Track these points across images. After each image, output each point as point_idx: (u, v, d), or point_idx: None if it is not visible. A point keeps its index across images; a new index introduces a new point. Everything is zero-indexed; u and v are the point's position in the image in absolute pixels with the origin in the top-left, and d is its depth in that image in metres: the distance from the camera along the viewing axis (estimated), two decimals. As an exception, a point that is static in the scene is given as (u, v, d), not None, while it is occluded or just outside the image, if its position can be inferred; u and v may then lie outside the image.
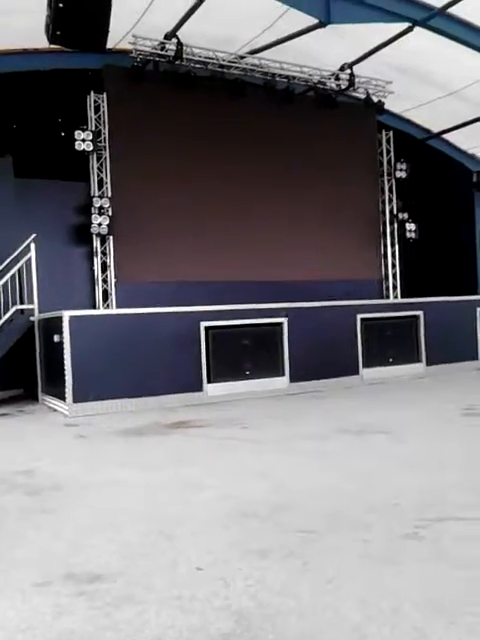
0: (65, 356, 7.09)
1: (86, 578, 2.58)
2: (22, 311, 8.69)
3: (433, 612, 2.18)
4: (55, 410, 7.58)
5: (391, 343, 9.22)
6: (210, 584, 2.48)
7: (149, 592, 2.43)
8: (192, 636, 2.08)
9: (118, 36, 10.62)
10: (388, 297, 14.10)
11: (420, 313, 9.51)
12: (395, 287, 14.40)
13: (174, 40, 11.06)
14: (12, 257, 8.72)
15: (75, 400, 7.07)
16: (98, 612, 2.28)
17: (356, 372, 8.85)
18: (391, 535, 2.91)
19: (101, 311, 9.91)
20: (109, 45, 9.90)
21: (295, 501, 3.53)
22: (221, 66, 11.96)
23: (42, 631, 2.16)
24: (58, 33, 7.66)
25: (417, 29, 11.28)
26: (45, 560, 2.81)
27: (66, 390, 7.07)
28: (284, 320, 8.32)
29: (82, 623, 2.21)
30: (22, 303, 8.72)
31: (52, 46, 9.16)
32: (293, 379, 8.28)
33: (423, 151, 15.51)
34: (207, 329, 7.86)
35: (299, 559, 2.69)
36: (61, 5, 7.17)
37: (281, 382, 8.25)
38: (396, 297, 14.09)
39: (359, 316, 8.96)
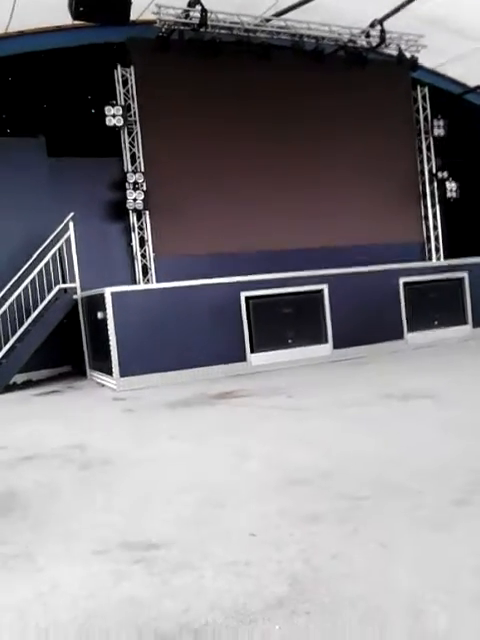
0: (110, 332, 7.21)
1: (142, 546, 2.65)
2: (65, 290, 8.84)
3: (488, 574, 2.17)
4: (103, 385, 7.74)
5: (436, 306, 9.06)
6: (263, 549, 2.52)
7: (204, 559, 2.48)
8: (248, 600, 2.12)
9: (141, 7, 10.49)
10: (431, 259, 13.81)
11: (465, 274, 9.30)
12: (438, 249, 14.08)
13: (198, 7, 10.86)
14: (52, 237, 8.84)
15: (122, 374, 7.20)
16: (156, 578, 2.35)
17: (401, 336, 8.75)
18: (441, 500, 2.89)
19: (142, 286, 10.00)
20: (132, 17, 9.79)
21: (342, 467, 3.54)
22: (247, 30, 11.71)
23: (103, 596, 2.24)
24: (81, 9, 7.62)
25: (450, -23, 10.81)
26: (101, 530, 2.89)
27: (112, 365, 7.21)
28: (325, 287, 8.25)
29: (141, 589, 2.28)
30: (64, 282, 8.86)
31: (76, 22, 9.11)
32: (336, 346, 8.24)
33: (461, 106, 14.98)
34: (248, 299, 7.86)
35: (350, 524, 2.70)
36: (85, -20, 7.11)
37: (324, 349, 8.22)
38: (439, 259, 13.79)
39: (402, 280, 8.82)
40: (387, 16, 12.19)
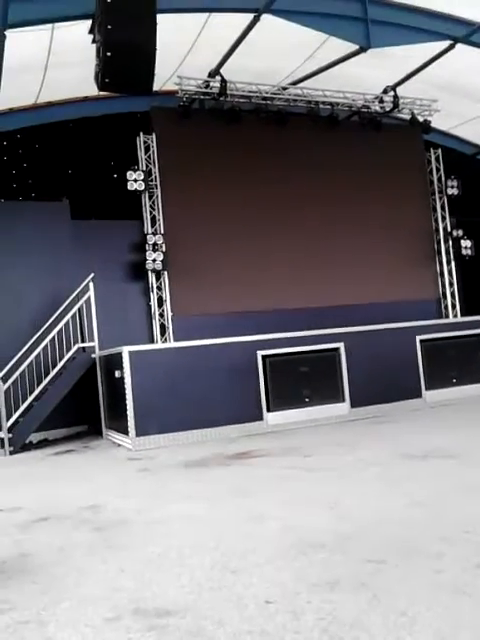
0: (126, 391, 7.22)
1: (155, 613, 2.59)
2: (84, 349, 8.93)
3: (514, 645, 2.08)
4: (119, 445, 7.70)
5: (453, 363, 8.98)
6: (280, 617, 2.44)
7: (219, 626, 2.41)
8: (263, 672, 2.05)
9: (164, 78, 10.99)
10: (447, 316, 13.78)
11: (482, 331, 9.26)
12: (454, 306, 14.06)
13: (218, 77, 11.34)
14: (72, 297, 9.00)
15: (138, 434, 7.16)
16: (168, 648, 2.28)
17: (419, 395, 8.65)
18: (464, 564, 2.80)
19: (159, 345, 10.07)
20: (155, 87, 10.24)
21: (362, 530, 3.45)
22: (264, 98, 12.17)
23: (114, 667, 2.17)
24: (107, 80, 7.98)
25: (459, 46, 11.20)
26: (113, 595, 2.83)
27: (129, 424, 7.18)
28: (341, 345, 8.24)
29: (153, 659, 2.21)
30: (83, 341, 8.96)
31: (102, 93, 9.57)
32: (354, 404, 8.16)
33: (473, 166, 15.27)
34: (264, 358, 7.86)
35: (370, 590, 2.62)
36: (109, 54, 7.49)
37: (341, 408, 8.14)
38: (456, 316, 13.75)
39: (418, 337, 8.79)
40: (400, 82, 12.61)
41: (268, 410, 7.78)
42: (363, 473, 4.97)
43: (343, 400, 8.16)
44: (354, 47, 10.80)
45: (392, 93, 12.80)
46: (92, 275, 9.03)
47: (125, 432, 7.37)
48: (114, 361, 7.78)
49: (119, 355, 7.45)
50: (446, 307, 14.00)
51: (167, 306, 11.31)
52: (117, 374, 7.54)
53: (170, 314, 11.29)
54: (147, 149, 11.63)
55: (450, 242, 14.16)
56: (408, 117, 13.32)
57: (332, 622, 2.36)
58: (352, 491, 4.43)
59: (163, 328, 11.28)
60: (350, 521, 3.66)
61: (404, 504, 3.93)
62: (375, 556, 3.00)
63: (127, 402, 7.21)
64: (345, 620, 2.37)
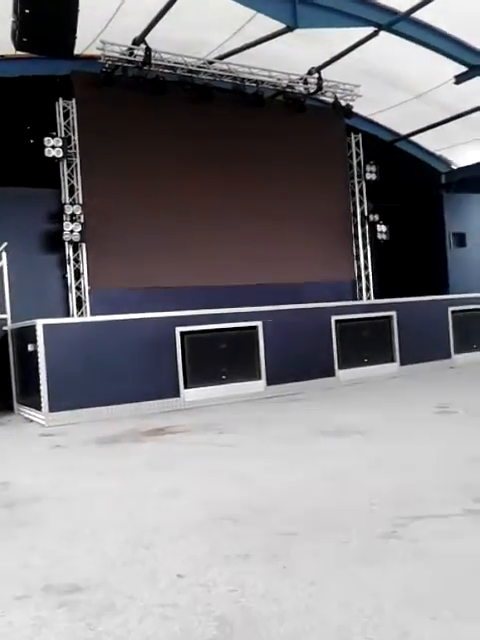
0: (40, 365, 7.01)
1: (66, 589, 2.56)
2: (-6, 321, 8.59)
3: (414, 609, 2.21)
4: (31, 420, 7.49)
5: (366, 344, 9.30)
6: (192, 590, 2.47)
7: (130, 601, 2.41)
8: (175, 644, 2.07)
9: (86, 42, 10.59)
10: (361, 298, 14.24)
11: (393, 313, 9.61)
12: (368, 288, 14.55)
13: (142, 45, 11.06)
14: (-17, 267, 8.62)
15: (51, 409, 6.99)
16: (79, 624, 2.26)
17: (332, 374, 8.91)
18: (369, 535, 2.93)
19: (75, 319, 9.84)
20: (77, 51, 9.87)
21: (273, 504, 3.54)
22: (190, 71, 12.00)
23: (22, 645, 2.14)
24: (25, 40, 7.62)
25: (383, 33, 11.46)
26: (23, 572, 2.77)
27: (42, 399, 6.99)
28: (259, 323, 8.34)
29: (63, 636, 2.19)
30: (-6, 313, 8.62)
31: (19, 53, 9.10)
32: (270, 382, 8.30)
33: (392, 153, 15.75)
34: (183, 334, 7.84)
35: (280, 562, 2.69)
36: (27, 11, 7.13)
37: (258, 386, 8.27)
38: (369, 298, 14.24)
39: (333, 318, 9.02)
40: (324, 65, 12.76)
41: (185, 387, 7.79)
42: (277, 448, 5.09)
43: (259, 378, 8.29)
44: (281, 26, 10.83)
45: (317, 75, 12.95)
46: (5, 244, 8.66)
47: (38, 407, 7.18)
48: (27, 334, 7.53)
49: (32, 328, 7.21)
50: (361, 289, 14.46)
51: (84, 279, 11.05)
52: (30, 348, 7.30)
53: (87, 287, 11.04)
54: (66, 115, 11.21)
55: (366, 226, 14.60)
56: (331, 100, 13.53)
57: (243, 593, 2.42)
58: (266, 466, 4.52)
59: (80, 302, 11.03)
60: (263, 495, 3.75)
61: (315, 478, 4.06)
62: (286, 529, 3.09)
63: (40, 377, 7.00)
64: (256, 591, 2.43)
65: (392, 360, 9.54)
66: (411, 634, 2.04)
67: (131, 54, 11.15)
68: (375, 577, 2.49)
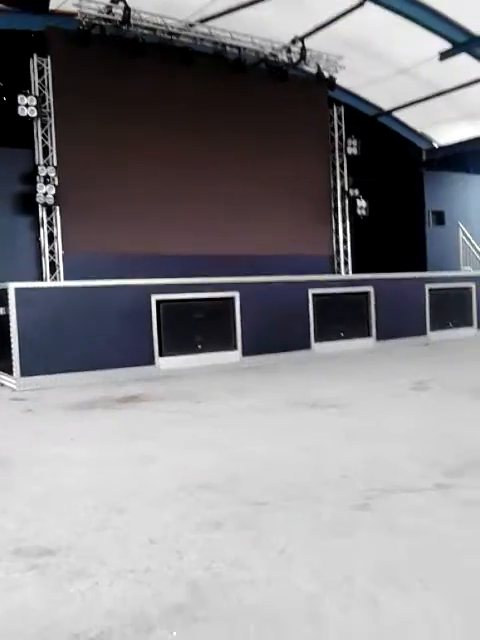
0: (11, 329, 6.90)
1: (37, 552, 2.53)
2: (-36, 283, 8.39)
3: (384, 580, 2.23)
4: (2, 384, 7.40)
5: (342, 318, 9.35)
6: (163, 556, 2.47)
7: (101, 565, 2.40)
8: (145, 608, 2.07)
9: (64, -3, 10.24)
10: (339, 273, 14.28)
11: (370, 289, 9.65)
12: (346, 263, 14.58)
13: (121, 4, 10.75)
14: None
15: (23, 374, 6.90)
16: (50, 587, 2.24)
17: (308, 346, 8.94)
18: (341, 506, 2.95)
19: (48, 283, 9.68)
20: (52, 6, 9.56)
21: (247, 473, 3.55)
22: (170, 33, 11.71)
23: (-9, 608, 2.11)
24: (0, -10, 7.30)
25: (368, 4, 11.32)
26: (-7, 536, 2.74)
27: (13, 364, 6.90)
28: (236, 294, 8.30)
29: (33, 598, 2.17)
30: (-36, 275, 8.42)
31: (-6, 5, 8.75)
32: (246, 353, 8.31)
33: (374, 128, 15.68)
34: (158, 302, 7.77)
35: (252, 530, 2.70)
36: (4, -39, 6.83)
37: (233, 356, 8.26)
38: (347, 273, 14.28)
39: (310, 291, 9.02)
40: (308, 34, 12.57)
41: (160, 355, 7.75)
42: (252, 419, 5.10)
43: (235, 348, 8.28)
44: (266, -9, 10.60)
45: (300, 44, 12.77)
46: (-24, 205, 8.44)
47: (9, 372, 7.08)
48: (-1, 297, 7.38)
49: (4, 291, 7.06)
50: (339, 264, 14.49)
51: (58, 243, 10.86)
52: (1, 311, 7.17)
53: (61, 252, 10.85)
54: (41, 73, 10.89)
55: (346, 201, 14.57)
56: (314, 71, 13.36)
57: (214, 560, 2.42)
58: (241, 435, 4.53)
59: (53, 266, 10.85)
60: (237, 464, 3.75)
61: (289, 449, 4.07)
62: (260, 498, 3.09)
63: (12, 341, 6.90)
64: (227, 558, 2.43)
65: (368, 335, 9.61)
66: (380, 603, 2.06)
67: (109, 12, 10.82)
68: (346, 548, 2.51)
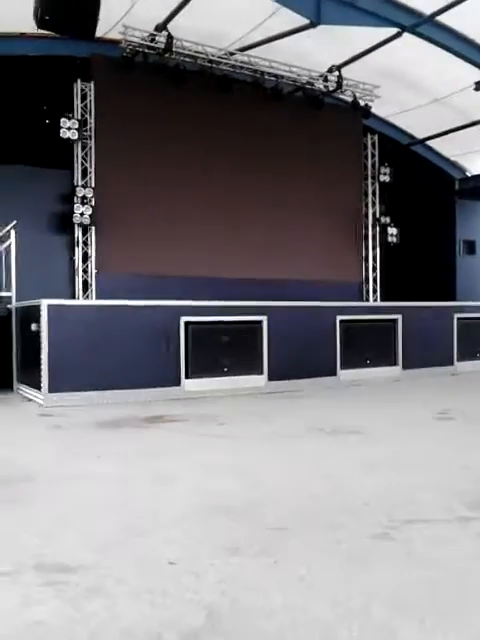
0: (42, 345, 7.02)
1: (57, 569, 2.56)
2: (0, 299, 8.59)
3: (401, 611, 2.21)
4: (30, 400, 7.51)
5: (369, 345, 9.29)
6: (182, 578, 2.48)
7: (120, 585, 2.42)
8: (162, 630, 2.08)
9: (108, 25, 10.57)
10: (368, 300, 14.21)
11: (399, 317, 9.59)
12: (375, 290, 14.52)
13: (164, 33, 11.02)
14: (-9, 244, 8.62)
15: (51, 390, 7.00)
16: (67, 604, 2.27)
17: (334, 373, 8.90)
18: (361, 535, 2.94)
19: (80, 301, 9.85)
20: (98, 34, 9.83)
21: (267, 498, 3.55)
22: (210, 61, 11.95)
23: (8, 621, 2.14)
24: (47, 18, 7.59)
25: (406, 35, 11.39)
26: (15, 550, 2.78)
27: (42, 379, 7.01)
28: (264, 318, 8.33)
29: (50, 614, 2.20)
30: (0, 291, 8.62)
31: (40, 31, 9.06)
32: (271, 378, 8.30)
33: (407, 156, 15.67)
34: (187, 324, 7.84)
35: (270, 556, 2.70)
36: (51, -9, 7.10)
37: (259, 380, 8.27)
38: (375, 300, 14.21)
39: (338, 317, 9.00)
40: (345, 63, 12.71)
41: (186, 376, 7.79)
42: (274, 444, 5.09)
43: (261, 372, 8.29)
44: (304, 21, 10.78)
45: (337, 73, 12.90)
46: (14, 222, 8.66)
47: (38, 387, 7.19)
48: (32, 313, 7.53)
49: (37, 308, 7.21)
50: (368, 291, 14.43)
51: (92, 262, 11.05)
52: (34, 327, 7.31)
53: (94, 271, 11.04)
54: (84, 97, 11.20)
55: (377, 228, 14.55)
56: (350, 100, 13.47)
57: (232, 584, 2.42)
58: (263, 460, 4.53)
59: (86, 285, 11.04)
60: (258, 489, 3.75)
61: (311, 475, 4.06)
62: (279, 524, 3.09)
63: (42, 357, 7.02)
64: (245, 583, 2.44)
65: (394, 363, 9.53)
66: (398, 635, 2.05)
67: (152, 40, 11.10)
68: (364, 577, 2.50)
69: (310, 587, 2.41)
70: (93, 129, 11.20)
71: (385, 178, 14.61)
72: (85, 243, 11.11)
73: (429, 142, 15.91)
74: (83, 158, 11.19)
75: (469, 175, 16.92)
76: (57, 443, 5.25)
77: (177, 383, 7.73)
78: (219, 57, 11.97)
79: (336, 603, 2.27)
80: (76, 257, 11.03)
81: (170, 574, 2.53)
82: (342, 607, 2.24)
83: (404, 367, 9.54)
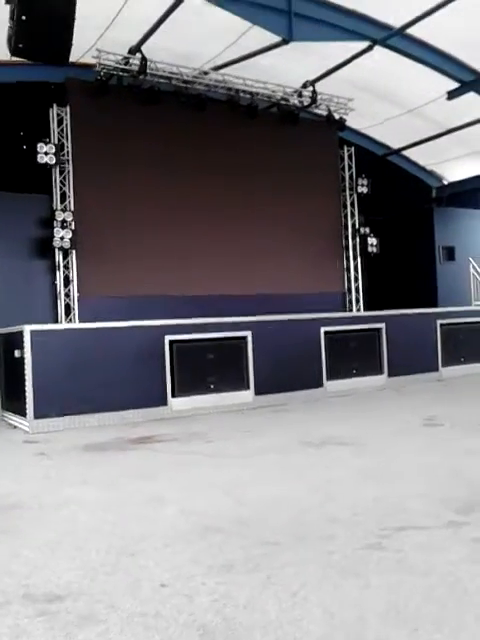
0: (26, 371, 6.96)
1: (47, 598, 2.52)
2: (-19, 326, 8.51)
3: (396, 622, 2.20)
4: (15, 427, 7.43)
5: (354, 355, 9.32)
6: (174, 600, 2.45)
7: (112, 611, 2.39)
8: (155, 654, 2.05)
9: (82, 49, 10.63)
10: (351, 310, 14.28)
11: (382, 326, 9.64)
12: (358, 300, 14.60)
13: (138, 55, 11.10)
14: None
15: (36, 416, 6.93)
16: (59, 633, 2.23)
17: (320, 384, 8.91)
18: (354, 546, 2.93)
19: (63, 325, 9.79)
20: (72, 58, 9.89)
21: (259, 514, 3.53)
22: (185, 81, 12.05)
23: (0, 654, 2.10)
24: (20, 45, 7.62)
25: (377, 48, 11.58)
26: (3, 580, 2.73)
27: (27, 406, 6.93)
28: (248, 334, 8.33)
29: (42, 644, 2.16)
30: (-19, 317, 8.56)
31: (14, 59, 9.10)
32: (258, 392, 8.29)
33: (383, 167, 15.88)
34: (171, 343, 7.82)
35: (263, 572, 2.68)
36: (24, 18, 7.14)
37: (246, 396, 8.25)
38: (359, 310, 14.29)
39: (322, 329, 9.03)
40: (319, 78, 12.87)
41: (173, 395, 7.75)
42: (263, 459, 5.07)
43: (248, 388, 8.27)
44: (277, 38, 10.92)
45: (311, 88, 13.06)
46: (-6, 249, 8.63)
47: (22, 414, 7.12)
48: (14, 340, 7.47)
49: (20, 334, 7.16)
50: (350, 301, 14.51)
51: (73, 286, 11.01)
52: (17, 354, 7.25)
53: (76, 294, 11.00)
54: (60, 122, 11.23)
55: (357, 239, 14.67)
56: (325, 114, 13.64)
57: (226, 604, 2.40)
58: (252, 476, 4.51)
59: (68, 308, 10.98)
60: (248, 505, 3.73)
61: (301, 489, 4.05)
62: (271, 539, 3.07)
63: (26, 383, 6.95)
64: (239, 601, 2.42)
65: (380, 372, 9.56)
66: (393, 647, 2.04)
67: (126, 63, 11.18)
68: (358, 588, 2.49)
69: (304, 601, 2.40)
70: (70, 153, 11.21)
71: (363, 189, 14.76)
72: (66, 267, 11.08)
73: (405, 152, 16.13)
74: (61, 182, 11.19)
75: (445, 183, 17.15)
76: (44, 469, 5.19)
77: (164, 402, 7.69)
78: (193, 77, 12.08)
79: (331, 615, 2.26)
80: (57, 281, 10.99)
81: (162, 596, 2.50)
82: (336, 620, 2.22)
83: (390, 375, 9.58)
